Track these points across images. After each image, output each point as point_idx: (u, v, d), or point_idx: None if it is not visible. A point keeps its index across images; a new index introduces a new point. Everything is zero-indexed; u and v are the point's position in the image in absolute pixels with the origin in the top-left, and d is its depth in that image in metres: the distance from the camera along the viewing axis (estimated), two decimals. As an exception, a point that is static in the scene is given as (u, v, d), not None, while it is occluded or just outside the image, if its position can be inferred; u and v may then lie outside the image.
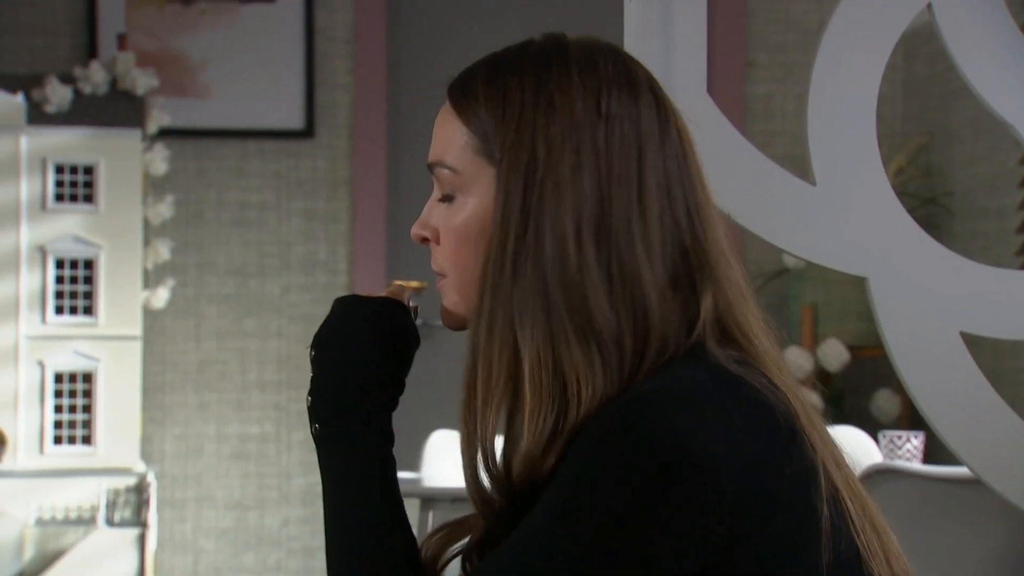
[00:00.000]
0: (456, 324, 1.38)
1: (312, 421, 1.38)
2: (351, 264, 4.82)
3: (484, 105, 1.35)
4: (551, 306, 1.27)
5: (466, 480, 1.31)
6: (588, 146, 1.30)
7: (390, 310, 1.39)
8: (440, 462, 3.73)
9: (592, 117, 1.31)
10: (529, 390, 1.26)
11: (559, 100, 1.31)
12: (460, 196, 1.35)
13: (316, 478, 4.70)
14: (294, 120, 4.78)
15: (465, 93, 1.37)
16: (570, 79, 1.32)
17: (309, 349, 1.40)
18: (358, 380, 1.37)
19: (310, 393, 1.38)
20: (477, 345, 1.30)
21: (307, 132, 4.78)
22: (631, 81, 1.33)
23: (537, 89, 1.32)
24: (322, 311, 4.73)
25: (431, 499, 3.44)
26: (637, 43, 1.72)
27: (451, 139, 1.36)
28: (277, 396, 4.78)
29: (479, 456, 1.29)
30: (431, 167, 1.38)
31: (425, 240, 1.39)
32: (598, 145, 1.30)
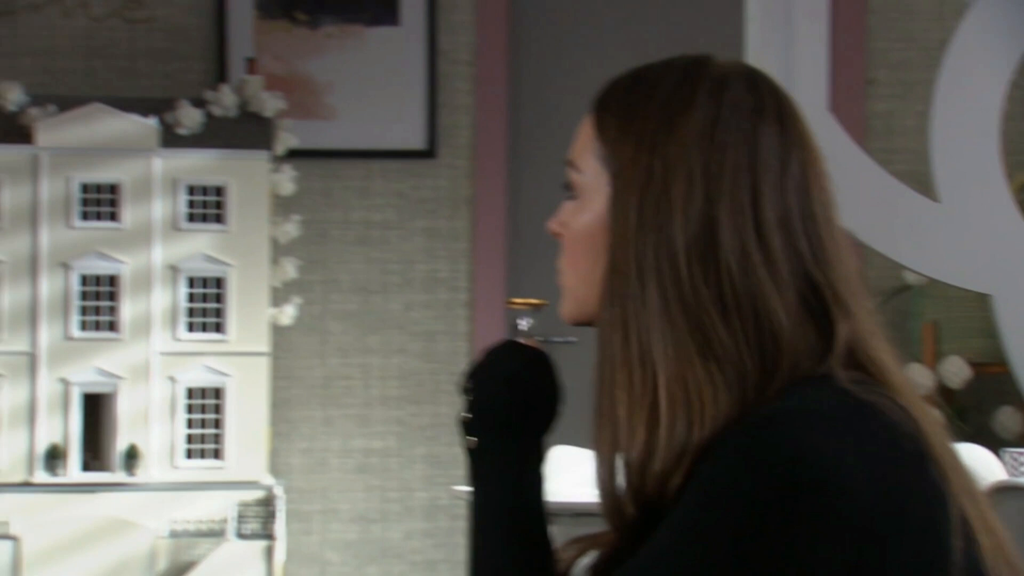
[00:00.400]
0: (571, 318, 1.42)
1: (467, 434, 1.44)
2: (472, 281, 4.88)
3: (613, 115, 1.38)
4: (674, 322, 1.29)
5: (601, 490, 1.33)
6: (699, 171, 1.31)
7: (542, 357, 1.46)
8: (560, 477, 3.77)
9: (706, 143, 1.32)
10: (666, 403, 1.28)
11: (679, 121, 1.33)
12: (583, 198, 1.40)
13: (438, 492, 4.78)
14: (417, 140, 4.86)
15: (602, 99, 1.40)
16: (693, 102, 1.34)
17: (463, 379, 1.46)
18: (518, 398, 1.43)
19: (467, 410, 1.44)
20: (613, 354, 1.32)
21: (429, 152, 4.86)
22: (756, 109, 1.34)
23: (662, 107, 1.34)
24: (443, 327, 4.81)
25: (552, 514, 3.47)
26: (759, 61, 1.76)
27: (583, 142, 1.41)
28: (400, 411, 4.86)
29: (620, 464, 1.31)
30: (565, 164, 1.42)
31: (559, 235, 1.44)
32: (710, 171, 1.31)
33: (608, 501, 1.34)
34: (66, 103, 4.33)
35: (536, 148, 5.05)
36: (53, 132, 4.26)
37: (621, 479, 1.32)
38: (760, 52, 1.74)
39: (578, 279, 1.40)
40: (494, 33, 4.92)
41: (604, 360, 1.33)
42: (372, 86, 4.82)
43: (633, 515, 1.31)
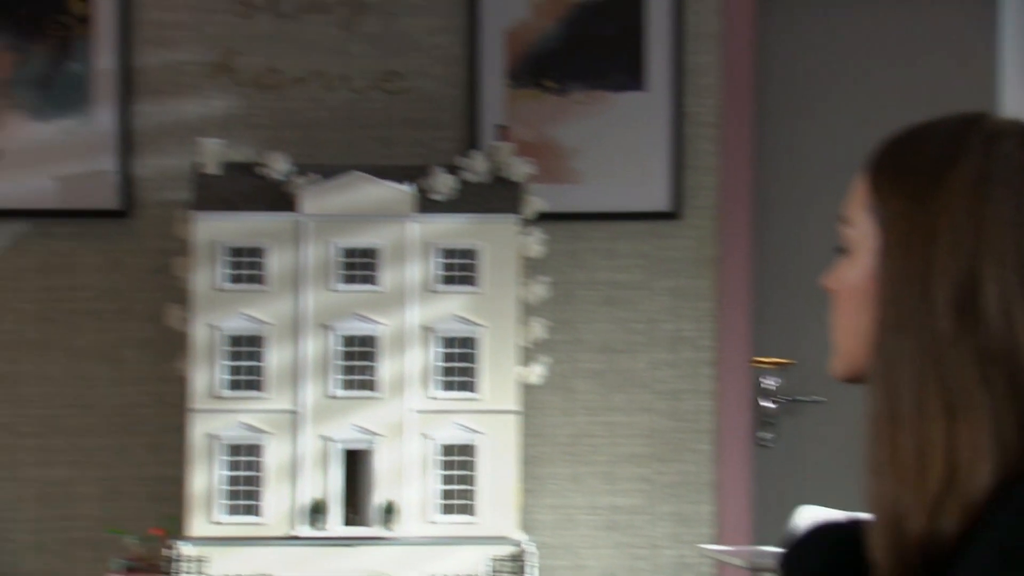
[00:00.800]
0: (841, 374, 1.44)
1: None
2: (716, 341, 4.93)
3: (886, 169, 1.40)
4: (931, 377, 1.31)
5: (887, 539, 1.33)
6: (965, 224, 1.32)
7: (853, 539, 1.45)
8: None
9: (973, 196, 1.33)
10: (928, 459, 1.29)
11: (948, 174, 1.34)
12: (854, 253, 1.42)
13: (685, 550, 4.84)
14: (662, 202, 4.94)
15: (877, 154, 1.43)
16: (963, 155, 1.35)
17: (778, 566, 1.49)
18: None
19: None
20: (878, 410, 1.33)
21: (674, 213, 4.95)
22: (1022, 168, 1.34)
23: (932, 161, 1.36)
24: (688, 386, 4.85)
25: None
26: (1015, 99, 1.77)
27: (856, 197, 1.43)
28: (646, 469, 4.93)
29: (911, 517, 1.31)
30: (839, 220, 1.46)
31: (833, 291, 1.46)
32: (976, 225, 1.32)
33: (894, 554, 1.34)
34: (328, 172, 4.52)
35: (780, 209, 5.10)
36: (316, 200, 4.46)
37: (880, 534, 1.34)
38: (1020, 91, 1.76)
39: (847, 334, 1.42)
40: (739, 96, 4.99)
41: (871, 416, 1.34)
42: (618, 150, 4.93)
43: (903, 572, 1.33)
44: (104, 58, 4.87)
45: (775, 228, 5.08)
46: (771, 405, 4.99)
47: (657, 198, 4.94)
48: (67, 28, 4.85)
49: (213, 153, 4.53)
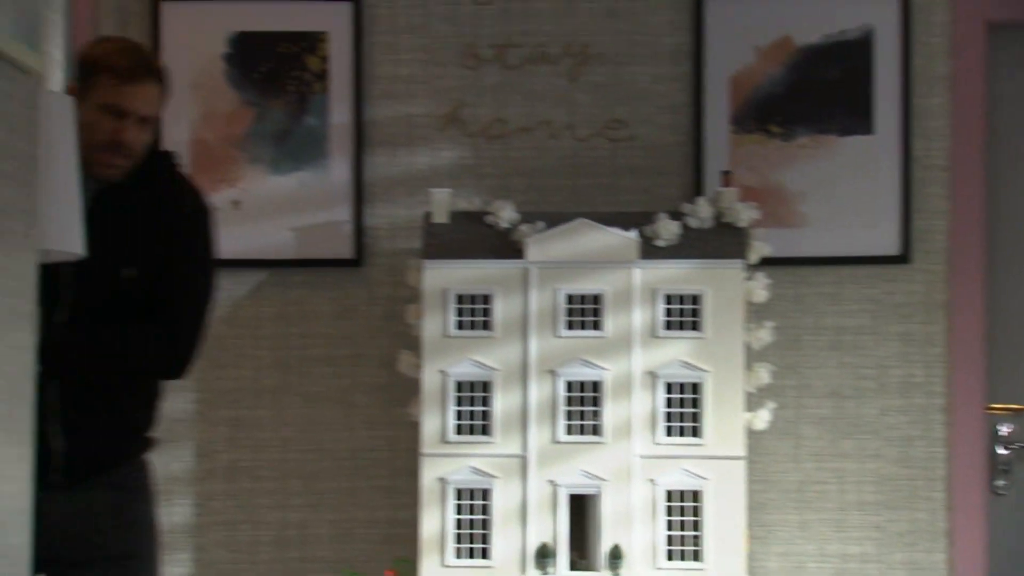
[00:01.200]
0: None
1: None
2: (948, 387, 4.84)
3: None
4: None
5: None
6: None
7: None
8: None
9: None
10: None
11: None
12: None
13: (917, 600, 4.74)
14: (890, 246, 4.89)
15: None
16: None
17: None
18: None
19: None
20: None
21: (903, 257, 4.88)
22: None
23: None
24: (919, 433, 4.78)
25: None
26: None
27: None
28: (877, 517, 4.86)
29: None
30: None
31: None
32: None
33: None
34: (553, 219, 4.58)
35: (1013, 252, 5.00)
36: (542, 247, 4.52)
37: None
38: None
39: None
40: (970, 138, 4.91)
41: None
42: (845, 194, 4.89)
43: None
44: (339, 112, 5.02)
45: (1008, 271, 4.98)
46: (1006, 452, 4.89)
47: (886, 242, 4.89)
48: (305, 84, 5.02)
49: (442, 202, 4.63)
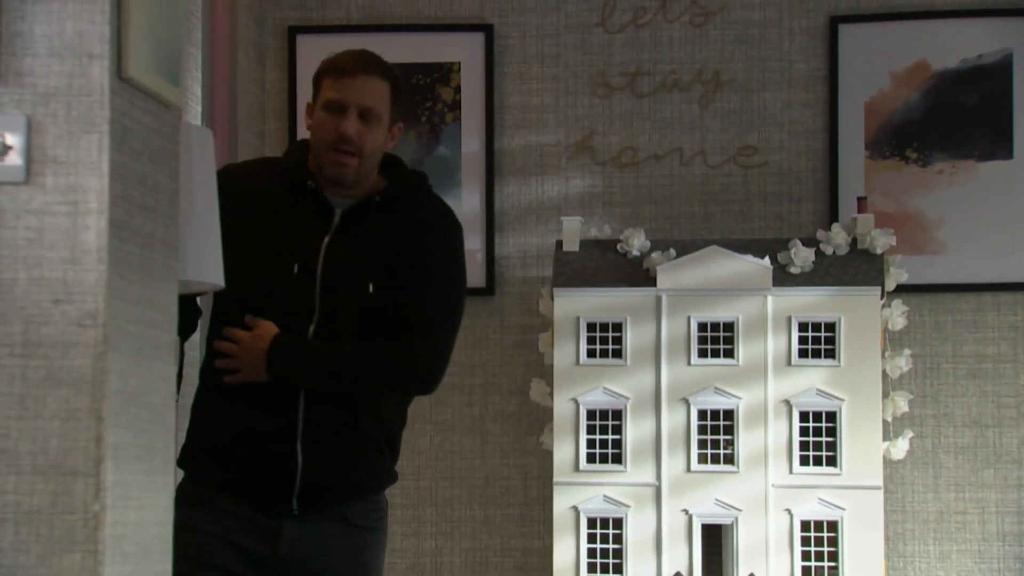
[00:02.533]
0: None
1: None
2: (1092, 416, 4.76)
3: None
4: None
5: None
6: None
7: None
8: None
9: None
10: None
11: None
12: None
13: (1061, 634, 4.64)
14: (1031, 272, 4.81)
15: None
16: None
17: None
18: None
19: None
20: None
21: (1042, 284, 4.80)
22: None
23: None
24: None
25: None
26: None
27: None
28: (1019, 548, 4.76)
29: None
30: None
31: None
32: None
33: None
34: (685, 247, 4.56)
35: None
36: (673, 274, 4.50)
37: None
38: None
39: None
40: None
41: None
42: (984, 219, 4.82)
43: None
44: (470, 141, 5.05)
45: None
46: None
47: (1026, 268, 4.81)
48: (437, 114, 5.05)
49: (573, 231, 4.63)
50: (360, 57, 3.35)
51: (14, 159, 2.40)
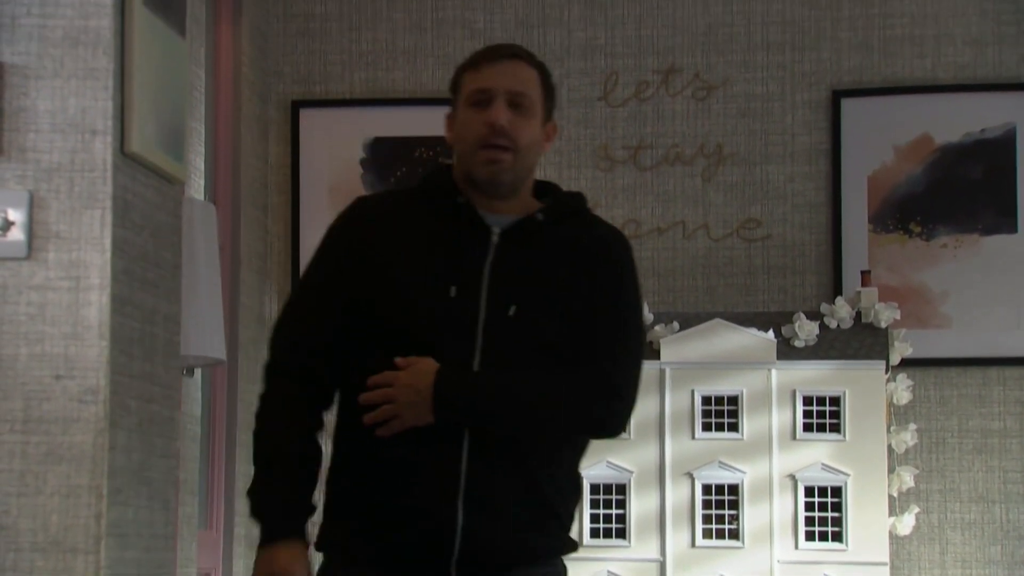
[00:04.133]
0: None
1: None
2: (1099, 491, 4.73)
3: None
4: None
5: None
6: None
7: None
8: None
9: None
10: None
11: None
12: None
13: None
14: (1037, 345, 4.80)
15: None
16: None
17: None
18: None
19: None
20: None
21: (1049, 359, 4.78)
22: None
23: None
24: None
25: None
26: None
27: None
28: (1026, 626, 4.73)
29: None
30: None
31: None
32: None
33: None
34: (688, 320, 4.55)
35: None
36: (676, 347, 4.48)
37: None
38: None
39: None
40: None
41: None
42: (989, 294, 4.81)
43: None
44: (472, 214, 5.04)
45: None
46: None
47: (1031, 342, 4.79)
48: (438, 186, 5.05)
49: (576, 304, 4.61)
50: (501, 45, 2.97)
51: (16, 235, 2.40)
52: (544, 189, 2.96)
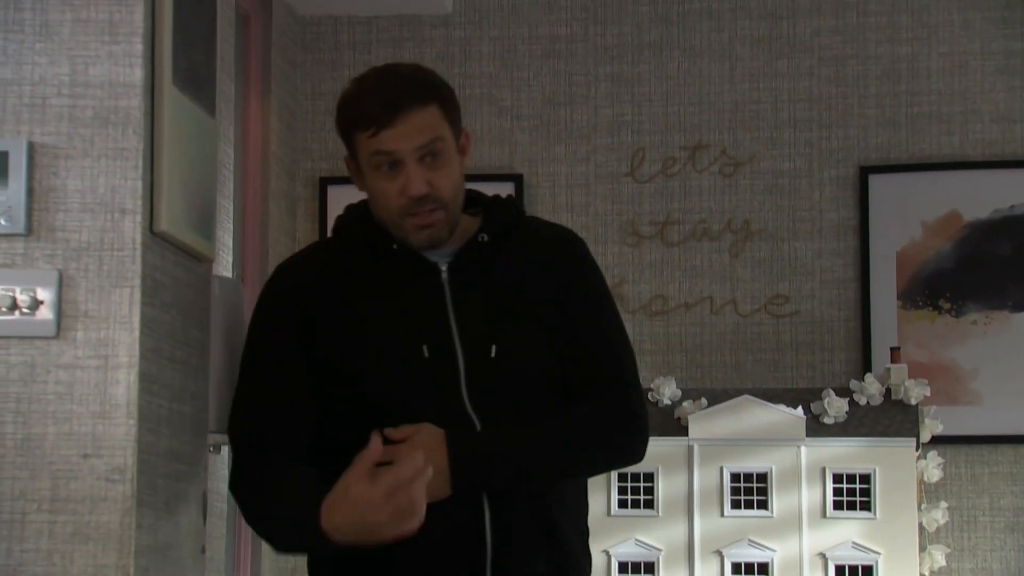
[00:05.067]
0: None
1: None
2: None
3: None
4: None
5: None
6: None
7: None
8: None
9: None
10: None
11: None
12: None
13: None
14: (1065, 422, 4.77)
15: None
16: None
17: None
18: None
19: None
20: None
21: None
22: None
23: None
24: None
25: None
26: None
27: None
28: None
29: None
30: None
31: None
32: None
33: None
34: (716, 396, 4.52)
35: None
36: (704, 424, 4.46)
37: None
38: None
39: None
40: None
41: None
42: (1019, 371, 4.78)
43: None
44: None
45: None
46: None
47: (1061, 417, 4.76)
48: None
49: (604, 380, 4.59)
50: (389, 94, 2.55)
51: (45, 314, 2.40)
52: (469, 199, 2.69)
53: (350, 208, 2.76)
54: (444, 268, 2.60)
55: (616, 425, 2.60)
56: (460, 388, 2.53)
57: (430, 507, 2.41)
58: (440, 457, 2.46)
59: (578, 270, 2.67)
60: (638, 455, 2.66)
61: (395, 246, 2.60)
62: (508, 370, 2.54)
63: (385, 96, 2.56)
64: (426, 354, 2.52)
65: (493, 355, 2.53)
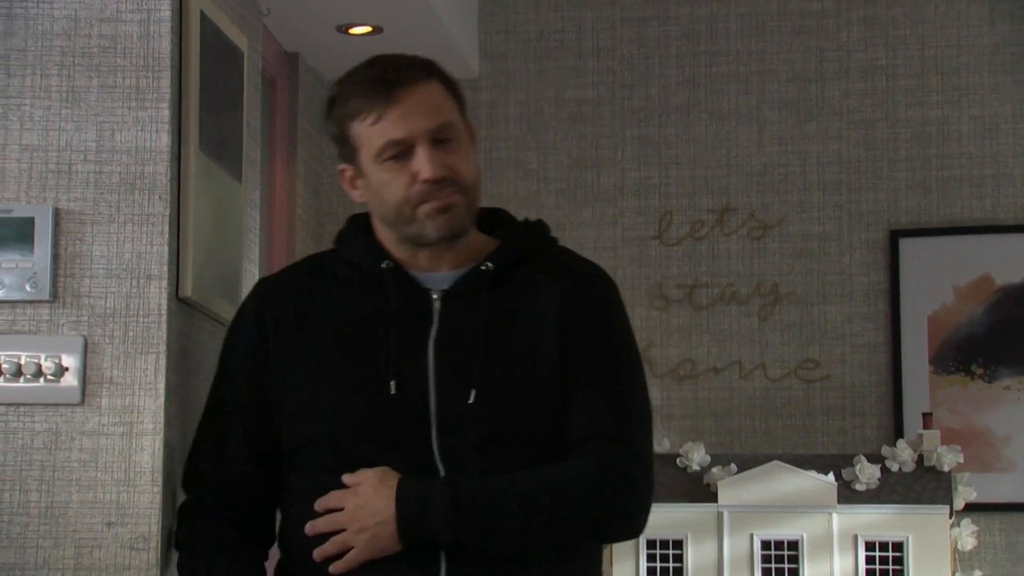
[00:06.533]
0: None
1: None
2: None
3: None
4: None
5: None
6: None
7: None
8: None
9: None
10: None
11: None
12: None
13: None
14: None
15: None
16: None
17: None
18: None
19: None
20: None
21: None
22: None
23: None
24: None
25: None
26: None
27: None
28: None
29: None
30: None
31: None
32: None
33: None
34: (745, 462, 4.48)
35: None
36: (734, 490, 4.41)
37: None
38: None
39: None
40: None
41: None
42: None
43: None
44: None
45: None
46: None
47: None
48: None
49: (632, 445, 4.56)
50: (385, 72, 2.26)
51: (70, 380, 2.38)
52: (494, 220, 2.39)
53: (348, 223, 2.47)
54: (436, 296, 2.30)
55: (603, 487, 2.24)
56: (430, 433, 2.22)
57: (378, 564, 2.18)
58: (385, 506, 2.17)
59: (598, 314, 2.38)
60: (629, 524, 2.33)
61: (384, 264, 2.31)
62: (486, 421, 2.22)
63: (383, 73, 2.27)
64: (393, 390, 2.22)
65: (471, 401, 2.22)
